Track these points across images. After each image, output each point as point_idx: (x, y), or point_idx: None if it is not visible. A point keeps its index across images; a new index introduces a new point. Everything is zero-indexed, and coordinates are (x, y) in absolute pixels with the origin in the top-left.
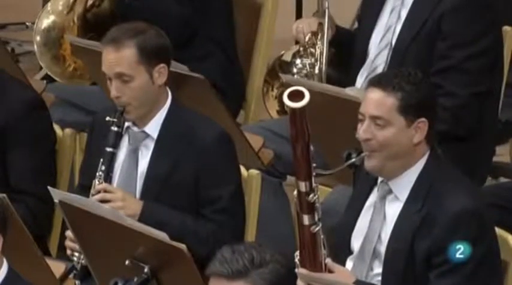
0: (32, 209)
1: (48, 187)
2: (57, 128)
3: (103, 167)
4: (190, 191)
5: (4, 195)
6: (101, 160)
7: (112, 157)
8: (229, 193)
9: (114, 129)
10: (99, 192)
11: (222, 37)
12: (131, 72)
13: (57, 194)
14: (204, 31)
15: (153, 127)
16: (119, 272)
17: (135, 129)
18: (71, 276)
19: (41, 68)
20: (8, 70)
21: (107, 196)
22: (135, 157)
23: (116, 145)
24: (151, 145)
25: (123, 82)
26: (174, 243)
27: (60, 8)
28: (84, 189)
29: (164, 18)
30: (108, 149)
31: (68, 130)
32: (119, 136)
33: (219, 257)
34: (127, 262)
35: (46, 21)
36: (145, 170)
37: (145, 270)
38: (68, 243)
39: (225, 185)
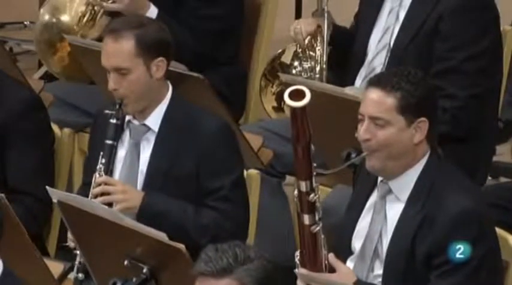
0: (30, 209)
1: (47, 187)
2: (55, 128)
3: (103, 160)
4: (193, 182)
5: (3, 195)
6: (101, 153)
7: (112, 150)
8: (231, 182)
9: (113, 121)
10: (99, 185)
11: (231, 53)
12: (128, 65)
13: (56, 194)
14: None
15: (154, 121)
16: (118, 272)
17: (136, 122)
18: (73, 271)
19: (39, 67)
20: (6, 69)
21: (108, 188)
22: (136, 151)
23: (115, 138)
24: (152, 139)
25: (120, 74)
26: (173, 243)
27: (79, 14)
28: (89, 186)
29: (179, 49)
30: (108, 141)
31: (66, 130)
32: (118, 128)
33: (203, 257)
34: (126, 262)
35: (63, 17)
36: (147, 164)
37: (144, 270)
38: (71, 236)
39: (226, 174)
